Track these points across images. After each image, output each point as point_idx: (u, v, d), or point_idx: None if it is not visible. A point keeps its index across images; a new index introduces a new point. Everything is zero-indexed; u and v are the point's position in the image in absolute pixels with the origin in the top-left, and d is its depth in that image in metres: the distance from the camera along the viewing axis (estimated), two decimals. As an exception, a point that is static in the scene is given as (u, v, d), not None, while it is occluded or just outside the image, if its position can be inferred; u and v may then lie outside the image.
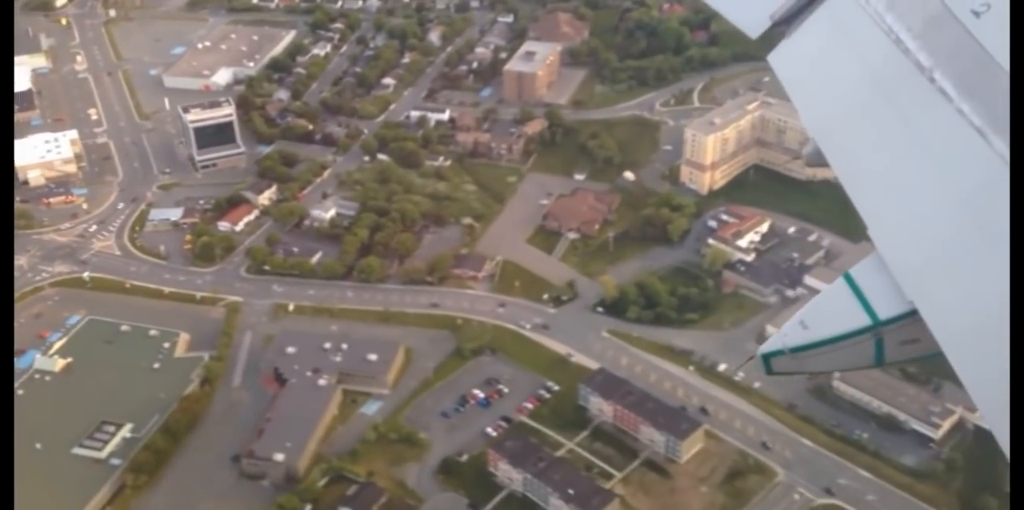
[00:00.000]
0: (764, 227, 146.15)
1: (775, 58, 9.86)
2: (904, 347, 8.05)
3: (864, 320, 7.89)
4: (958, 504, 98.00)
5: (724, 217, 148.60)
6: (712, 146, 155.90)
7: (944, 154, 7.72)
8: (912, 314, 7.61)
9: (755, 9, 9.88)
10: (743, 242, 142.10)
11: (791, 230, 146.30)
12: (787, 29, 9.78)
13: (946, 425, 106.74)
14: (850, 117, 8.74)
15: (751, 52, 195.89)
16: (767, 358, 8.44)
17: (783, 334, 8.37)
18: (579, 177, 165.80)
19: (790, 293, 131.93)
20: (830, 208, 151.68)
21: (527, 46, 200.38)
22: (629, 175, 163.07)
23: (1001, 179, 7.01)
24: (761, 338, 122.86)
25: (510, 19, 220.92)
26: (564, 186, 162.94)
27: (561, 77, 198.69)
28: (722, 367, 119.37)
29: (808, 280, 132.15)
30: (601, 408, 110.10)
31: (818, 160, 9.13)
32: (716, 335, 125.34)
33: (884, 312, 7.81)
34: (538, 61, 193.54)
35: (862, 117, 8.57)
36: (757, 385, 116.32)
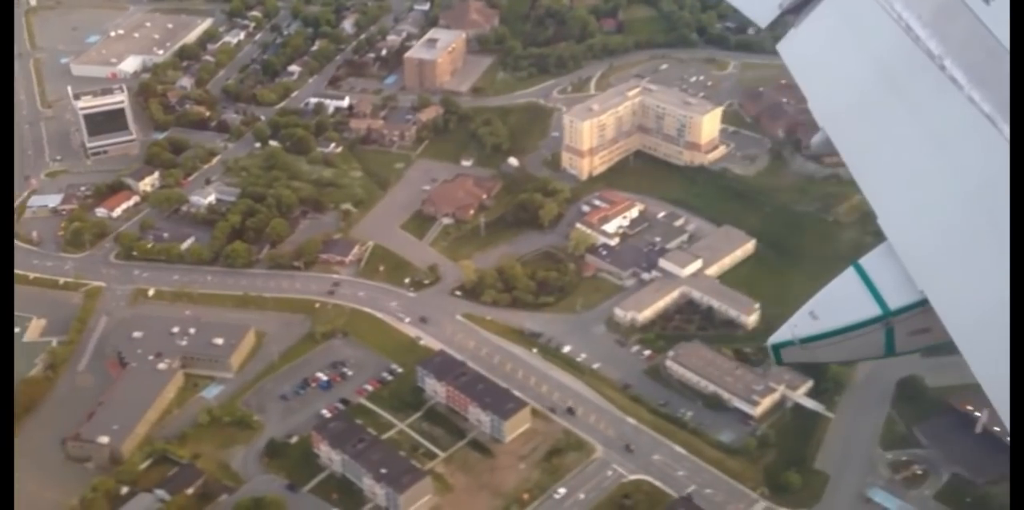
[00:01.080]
0: (634, 212, 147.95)
1: (784, 46, 9.69)
2: (914, 337, 7.95)
3: (874, 310, 7.76)
4: (763, 479, 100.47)
5: (597, 202, 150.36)
6: (589, 132, 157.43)
7: (955, 142, 7.63)
8: (923, 304, 7.48)
9: None
10: (611, 227, 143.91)
11: (661, 215, 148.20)
12: (795, 18, 9.65)
13: (765, 403, 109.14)
14: (860, 105, 8.64)
15: (655, 40, 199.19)
16: (777, 349, 8.35)
17: (793, 324, 8.20)
18: (466, 163, 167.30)
19: (646, 276, 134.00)
20: (702, 193, 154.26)
21: (431, 33, 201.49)
22: (513, 161, 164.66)
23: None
24: (610, 321, 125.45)
25: (426, 7, 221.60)
26: (451, 172, 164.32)
27: (468, 64, 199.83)
28: (567, 349, 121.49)
29: (662, 263, 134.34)
30: (436, 390, 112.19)
31: (826, 148, 9.09)
32: (567, 318, 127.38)
33: (894, 302, 7.68)
34: (440, 48, 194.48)
35: (872, 105, 8.50)
36: (596, 366, 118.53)
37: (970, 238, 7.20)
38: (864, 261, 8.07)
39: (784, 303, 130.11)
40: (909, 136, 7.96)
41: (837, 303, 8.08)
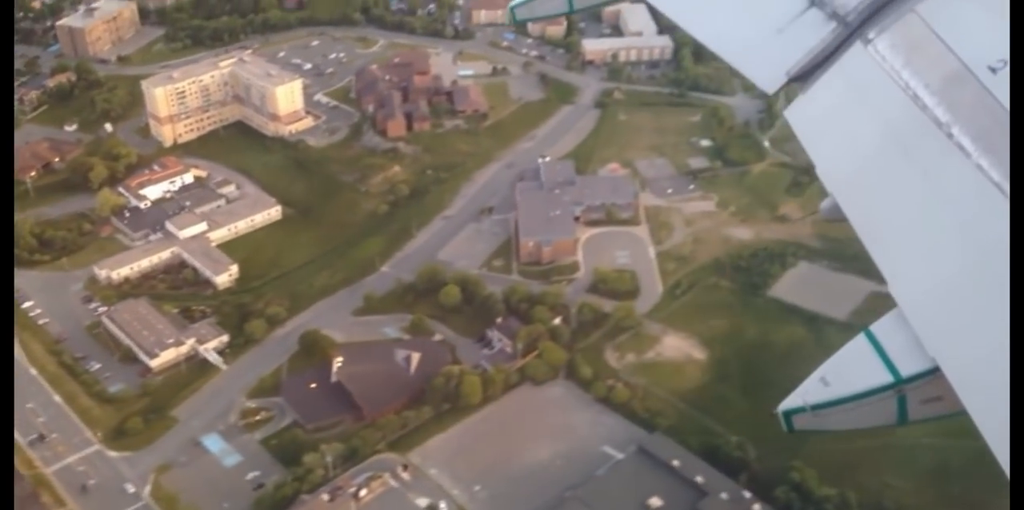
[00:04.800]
0: (188, 177, 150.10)
1: (791, 113, 9.65)
2: (927, 405, 7.83)
3: (886, 377, 7.71)
4: (116, 425, 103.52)
5: (156, 167, 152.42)
6: (164, 99, 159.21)
7: (963, 209, 7.65)
8: (935, 371, 7.46)
9: (771, 65, 9.74)
10: (154, 190, 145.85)
11: (217, 180, 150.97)
12: (802, 85, 9.64)
13: (165, 356, 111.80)
14: (868, 173, 8.67)
15: (319, 18, 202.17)
16: (788, 416, 8.12)
17: (803, 391, 8.05)
18: (69, 128, 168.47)
19: (153, 237, 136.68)
20: (270, 162, 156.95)
21: (98, 3, 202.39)
22: (108, 127, 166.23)
23: None
24: (91, 280, 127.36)
25: None
26: (51, 136, 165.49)
27: (139, 35, 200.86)
28: (27, 304, 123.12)
29: (167, 225, 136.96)
30: None
31: (835, 214, 8.96)
32: (53, 275, 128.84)
33: (906, 369, 7.66)
34: (96, 17, 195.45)
35: (880, 173, 8.53)
36: (43, 321, 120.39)
37: (980, 306, 7.16)
38: (875, 327, 7.94)
39: (278, 265, 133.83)
40: (918, 203, 7.99)
41: (848, 369, 7.98)
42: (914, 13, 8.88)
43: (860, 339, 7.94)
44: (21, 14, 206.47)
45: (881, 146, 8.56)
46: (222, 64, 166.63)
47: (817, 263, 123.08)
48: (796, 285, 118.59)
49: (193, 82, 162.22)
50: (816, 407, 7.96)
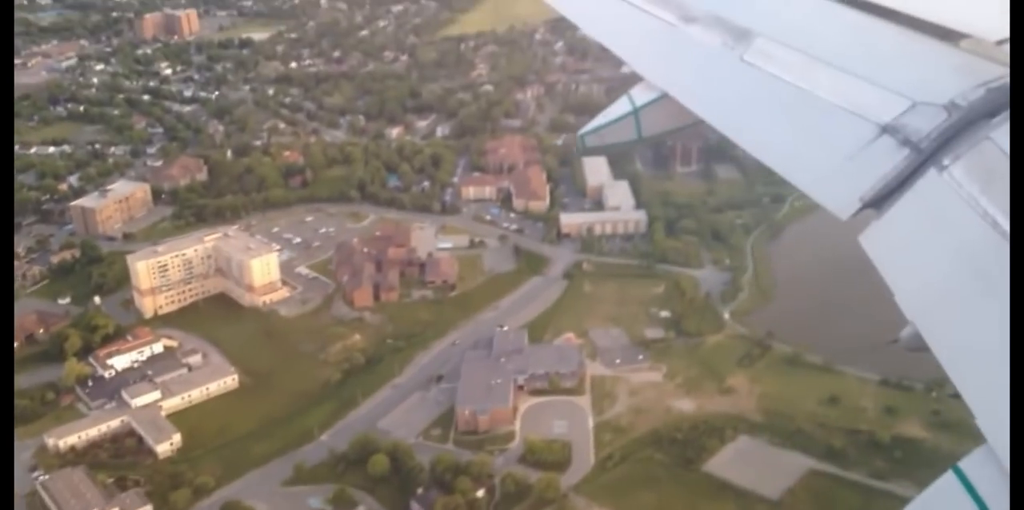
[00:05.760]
0: (158, 347, 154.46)
1: (866, 239, 9.51)
2: None
3: None
4: None
5: (129, 338, 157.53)
6: (146, 271, 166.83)
7: None
8: None
9: (844, 191, 9.72)
10: (123, 360, 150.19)
11: (186, 349, 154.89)
12: (877, 211, 9.58)
13: None
14: (949, 301, 8.40)
15: (318, 195, 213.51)
16: None
17: None
18: (62, 302, 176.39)
19: (108, 406, 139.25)
20: (241, 332, 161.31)
21: (114, 185, 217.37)
22: (96, 299, 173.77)
23: None
24: (40, 449, 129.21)
25: (159, 164, 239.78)
26: (44, 309, 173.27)
27: (150, 213, 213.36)
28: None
29: (123, 393, 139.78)
30: None
31: (917, 343, 8.64)
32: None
33: (998, 508, 7.28)
34: (109, 198, 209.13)
35: (962, 301, 8.27)
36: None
37: None
38: (964, 464, 7.49)
39: (222, 434, 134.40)
40: (1003, 334, 7.55)
41: (938, 509, 7.58)
42: (989, 140, 8.87)
43: (949, 476, 7.45)
44: (47, 196, 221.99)
45: (961, 273, 8.32)
46: (207, 239, 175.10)
47: (758, 438, 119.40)
48: (733, 460, 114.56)
49: (176, 256, 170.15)
50: None
